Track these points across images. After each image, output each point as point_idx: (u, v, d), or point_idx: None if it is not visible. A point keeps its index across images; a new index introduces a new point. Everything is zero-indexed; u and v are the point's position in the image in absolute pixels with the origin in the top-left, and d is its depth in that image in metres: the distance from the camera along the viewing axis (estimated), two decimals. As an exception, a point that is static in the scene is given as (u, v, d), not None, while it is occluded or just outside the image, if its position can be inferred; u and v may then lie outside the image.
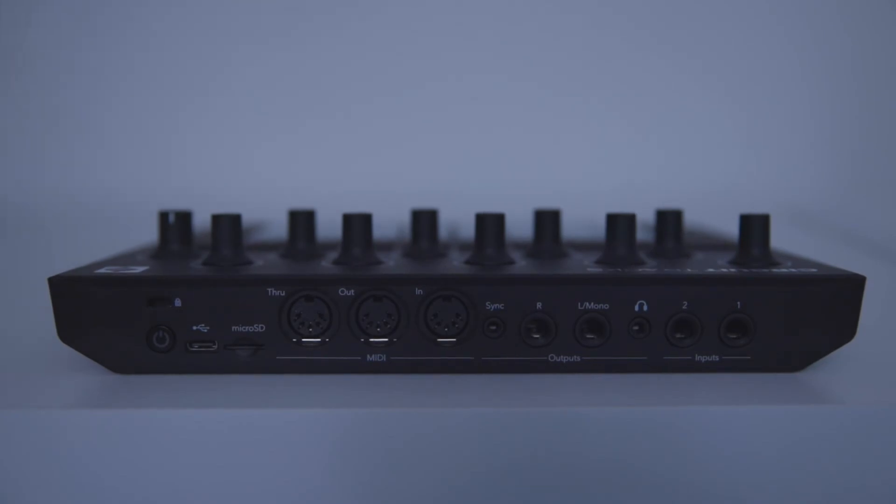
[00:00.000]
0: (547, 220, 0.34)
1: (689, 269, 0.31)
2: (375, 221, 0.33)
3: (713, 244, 0.38)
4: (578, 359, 0.30)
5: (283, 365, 0.30)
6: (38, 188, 0.72)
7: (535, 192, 0.63)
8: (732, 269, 0.31)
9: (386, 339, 0.30)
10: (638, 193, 0.68)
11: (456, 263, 0.32)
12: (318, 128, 0.77)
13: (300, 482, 0.27)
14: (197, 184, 0.73)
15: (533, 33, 0.75)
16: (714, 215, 0.52)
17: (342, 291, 0.30)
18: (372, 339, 0.30)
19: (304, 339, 0.30)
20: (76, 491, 0.27)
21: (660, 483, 0.27)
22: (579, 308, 0.30)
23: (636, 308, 0.30)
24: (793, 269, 0.31)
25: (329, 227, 0.40)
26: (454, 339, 0.30)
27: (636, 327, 0.30)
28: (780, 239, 0.37)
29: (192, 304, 0.30)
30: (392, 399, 0.28)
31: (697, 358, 0.30)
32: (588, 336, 0.30)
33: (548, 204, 0.41)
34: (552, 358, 0.30)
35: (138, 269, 0.31)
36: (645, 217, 0.38)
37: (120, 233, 0.54)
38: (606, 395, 0.28)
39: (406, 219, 0.40)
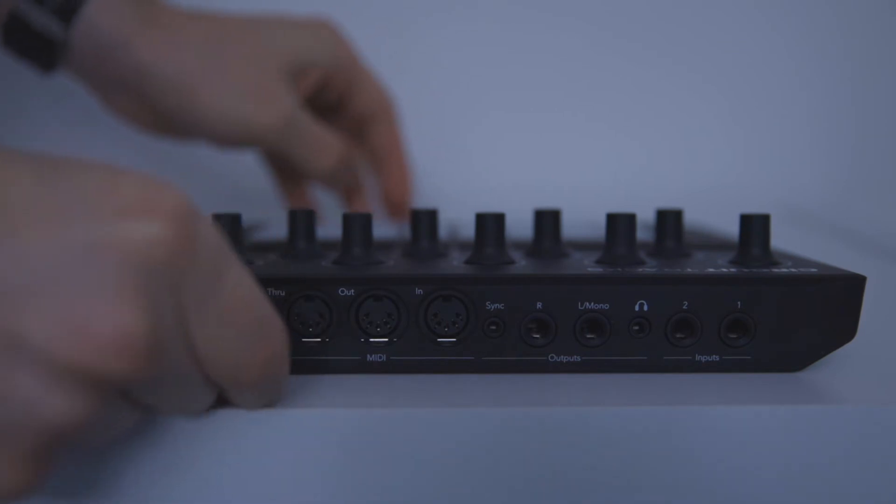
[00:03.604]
0: (547, 220, 0.34)
1: (689, 269, 0.31)
2: (376, 221, 0.33)
3: (713, 244, 0.38)
4: (578, 359, 0.30)
5: (283, 365, 0.30)
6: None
7: (535, 192, 0.63)
8: (733, 269, 0.31)
9: (386, 339, 0.30)
10: (638, 193, 0.68)
11: (456, 263, 0.32)
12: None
13: (300, 482, 0.27)
14: (197, 183, 0.74)
15: (532, 32, 0.75)
16: (714, 215, 0.52)
17: (342, 291, 0.30)
18: (372, 339, 0.30)
19: (304, 339, 0.30)
20: (77, 491, 0.27)
21: (660, 483, 0.27)
22: (579, 308, 0.30)
23: (636, 308, 0.30)
24: (793, 269, 0.31)
25: (329, 226, 0.40)
26: (454, 339, 0.30)
27: (636, 327, 0.30)
28: (780, 238, 0.37)
29: (192, 304, 0.29)
30: (392, 399, 0.28)
31: (698, 358, 0.30)
32: (588, 336, 0.30)
33: (548, 204, 0.41)
34: (552, 358, 0.30)
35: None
36: (645, 217, 0.38)
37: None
38: (606, 395, 0.28)
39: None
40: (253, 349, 0.24)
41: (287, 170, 0.59)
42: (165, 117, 0.50)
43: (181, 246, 0.21)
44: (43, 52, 0.47)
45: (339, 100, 0.56)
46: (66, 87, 0.57)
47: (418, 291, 0.30)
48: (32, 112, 0.71)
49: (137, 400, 0.24)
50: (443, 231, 0.41)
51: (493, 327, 0.30)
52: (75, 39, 0.47)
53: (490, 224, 0.32)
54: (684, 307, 0.30)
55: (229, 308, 0.23)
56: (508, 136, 0.77)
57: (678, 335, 0.30)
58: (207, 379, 0.24)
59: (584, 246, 0.36)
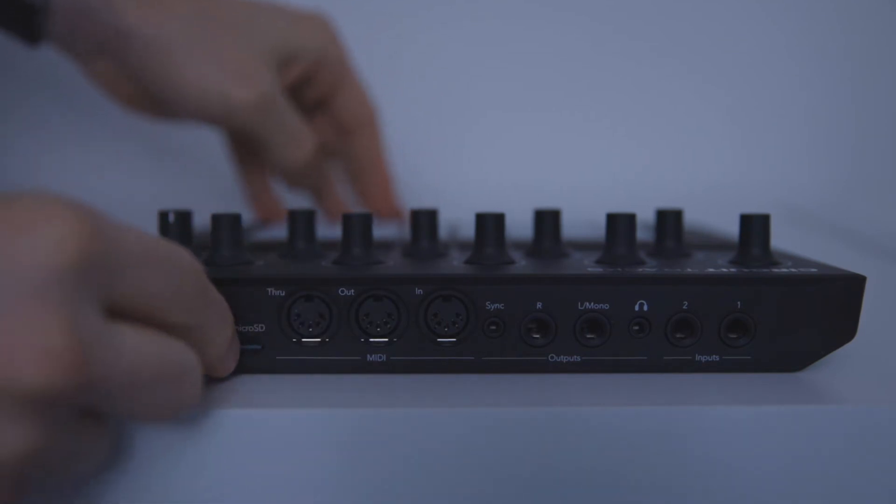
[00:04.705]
0: (547, 220, 0.34)
1: (689, 269, 0.31)
2: (376, 221, 0.33)
3: (713, 244, 0.38)
4: (578, 359, 0.30)
5: (283, 365, 0.30)
6: (37, 188, 0.72)
7: (535, 192, 0.63)
8: (733, 269, 0.31)
9: (386, 339, 0.30)
10: (638, 193, 0.68)
11: (456, 263, 0.32)
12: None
13: (300, 482, 0.27)
14: (197, 182, 0.74)
15: (532, 31, 0.75)
16: (714, 215, 0.52)
17: (342, 291, 0.30)
18: (372, 339, 0.30)
19: (304, 339, 0.30)
20: (76, 491, 0.27)
21: (660, 483, 0.27)
22: (579, 308, 0.30)
23: (636, 308, 0.30)
24: (793, 269, 0.31)
25: (330, 227, 0.40)
26: (454, 339, 0.30)
27: (636, 327, 0.30)
28: (780, 238, 0.37)
29: (192, 304, 0.29)
30: (392, 399, 0.28)
31: (697, 358, 0.30)
32: (588, 336, 0.30)
33: (548, 204, 0.41)
34: (552, 358, 0.30)
35: (138, 269, 0.31)
36: (645, 217, 0.38)
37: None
38: (606, 395, 0.28)
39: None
40: (178, 271, 0.25)
41: (253, 162, 0.57)
42: (143, 86, 0.49)
43: (88, 241, 0.21)
44: (24, 19, 0.46)
45: (321, 100, 0.55)
46: (66, 84, 0.57)
47: (418, 291, 0.30)
48: (32, 107, 0.71)
49: (106, 414, 0.24)
50: (443, 231, 0.41)
51: (493, 327, 0.30)
52: (57, 3, 0.46)
53: (490, 224, 0.32)
54: (684, 307, 0.30)
55: (143, 257, 0.23)
56: (508, 135, 0.77)
57: (678, 335, 0.30)
58: (160, 338, 0.24)
59: (584, 246, 0.36)
